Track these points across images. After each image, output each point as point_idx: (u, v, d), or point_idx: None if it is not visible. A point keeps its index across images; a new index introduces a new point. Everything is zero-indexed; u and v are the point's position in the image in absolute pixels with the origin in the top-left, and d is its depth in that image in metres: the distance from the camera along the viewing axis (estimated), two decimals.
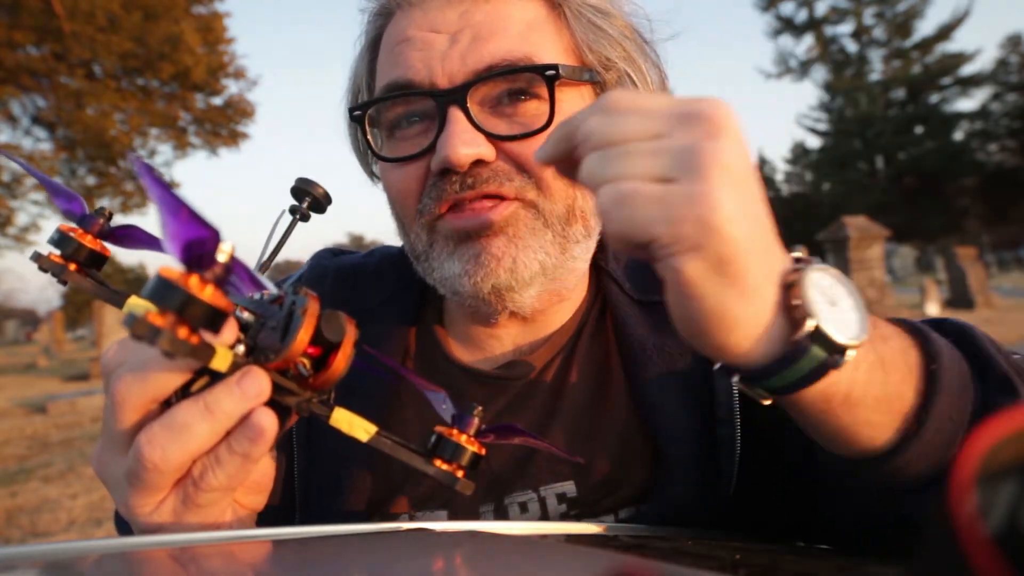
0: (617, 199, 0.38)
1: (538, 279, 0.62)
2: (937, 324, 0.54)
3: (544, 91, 0.61)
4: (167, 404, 0.41)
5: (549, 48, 0.62)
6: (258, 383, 0.38)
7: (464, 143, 0.59)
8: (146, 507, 0.42)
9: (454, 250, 0.62)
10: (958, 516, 0.16)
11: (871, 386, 0.44)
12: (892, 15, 42.40)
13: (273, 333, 0.39)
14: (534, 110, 0.61)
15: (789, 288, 0.40)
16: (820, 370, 0.41)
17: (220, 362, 0.37)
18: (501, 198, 0.61)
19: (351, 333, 0.40)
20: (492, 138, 0.61)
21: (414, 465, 0.42)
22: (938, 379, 0.46)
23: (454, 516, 0.65)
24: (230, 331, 0.38)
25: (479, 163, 0.60)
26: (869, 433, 0.45)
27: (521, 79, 0.61)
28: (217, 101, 18.31)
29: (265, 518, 0.50)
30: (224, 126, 18.46)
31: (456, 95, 0.60)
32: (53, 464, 5.29)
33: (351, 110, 0.67)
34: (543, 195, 0.62)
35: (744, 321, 0.39)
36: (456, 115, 0.59)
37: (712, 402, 0.62)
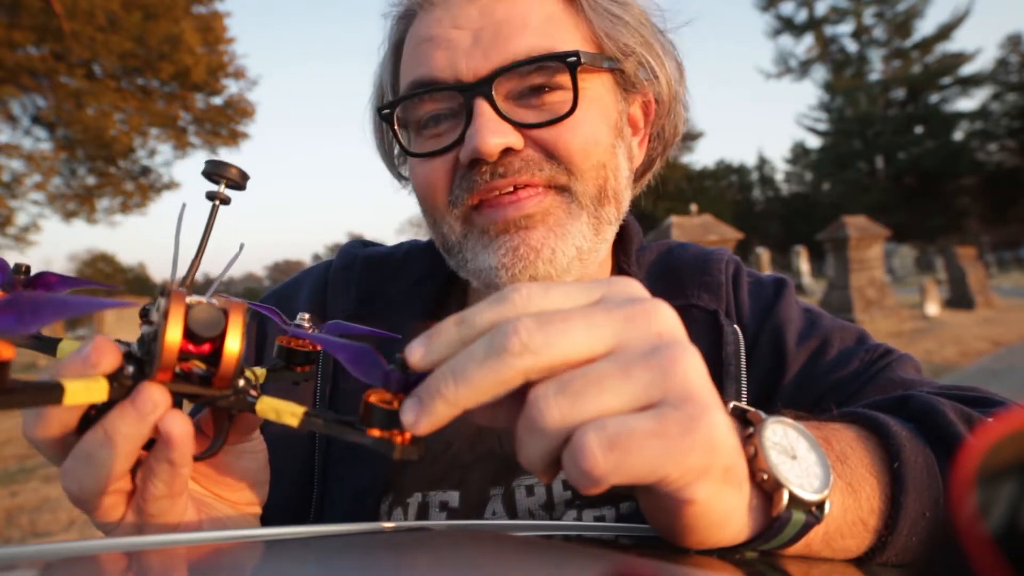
0: (608, 444, 0.32)
1: (575, 265, 0.63)
2: (902, 402, 0.54)
3: (567, 79, 0.62)
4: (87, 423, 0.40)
5: (568, 39, 0.64)
6: (150, 398, 0.37)
7: (493, 132, 0.60)
8: (109, 526, 0.43)
9: (490, 242, 0.63)
10: (958, 516, 0.16)
11: (845, 514, 0.44)
12: (892, 15, 42.46)
13: (154, 344, 0.37)
14: (559, 98, 0.63)
15: (752, 460, 0.39)
16: (804, 530, 0.41)
17: (97, 394, 0.36)
18: (533, 187, 0.62)
19: (235, 319, 0.38)
20: (520, 127, 0.62)
21: (352, 439, 0.39)
22: (903, 479, 0.46)
23: (466, 497, 0.66)
24: (107, 360, 0.37)
25: (509, 152, 0.62)
26: (845, 555, 0.46)
27: (544, 69, 0.62)
28: (217, 101, 18.30)
29: (288, 488, 0.49)
30: (224, 126, 18.43)
31: (482, 88, 0.61)
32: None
33: (379, 109, 0.68)
34: (574, 178, 0.63)
35: (738, 515, 0.39)
36: (483, 107, 0.61)
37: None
